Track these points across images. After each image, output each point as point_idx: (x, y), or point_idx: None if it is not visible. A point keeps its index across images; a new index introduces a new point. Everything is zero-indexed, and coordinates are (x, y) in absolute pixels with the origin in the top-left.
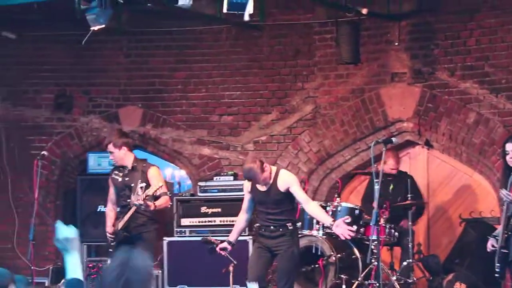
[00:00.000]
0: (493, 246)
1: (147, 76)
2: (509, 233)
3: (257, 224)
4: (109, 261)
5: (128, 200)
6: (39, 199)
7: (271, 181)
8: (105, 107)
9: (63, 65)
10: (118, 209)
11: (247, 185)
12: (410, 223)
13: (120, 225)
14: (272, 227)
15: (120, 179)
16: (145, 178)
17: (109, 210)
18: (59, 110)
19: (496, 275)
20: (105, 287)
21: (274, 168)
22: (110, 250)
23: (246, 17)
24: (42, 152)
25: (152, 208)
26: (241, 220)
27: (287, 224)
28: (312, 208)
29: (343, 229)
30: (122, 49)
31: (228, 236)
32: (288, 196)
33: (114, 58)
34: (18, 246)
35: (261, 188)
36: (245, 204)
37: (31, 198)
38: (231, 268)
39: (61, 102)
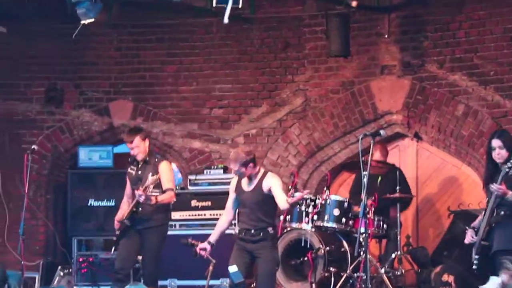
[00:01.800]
0: (472, 237)
1: (137, 69)
2: (493, 225)
3: (238, 228)
4: (113, 250)
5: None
6: (29, 194)
7: (256, 181)
8: (95, 101)
9: (53, 59)
10: None
11: (233, 184)
12: (398, 214)
13: (125, 214)
14: (252, 231)
15: (133, 173)
16: (156, 171)
17: (123, 203)
18: (50, 104)
19: (474, 267)
20: None
21: (262, 170)
22: (114, 238)
23: (226, 20)
24: (33, 146)
25: (153, 202)
26: (223, 221)
27: (268, 229)
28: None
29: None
30: (113, 42)
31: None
32: (270, 197)
33: (104, 51)
34: (9, 241)
35: (246, 188)
36: (228, 204)
37: (21, 192)
38: (211, 268)
39: (51, 95)
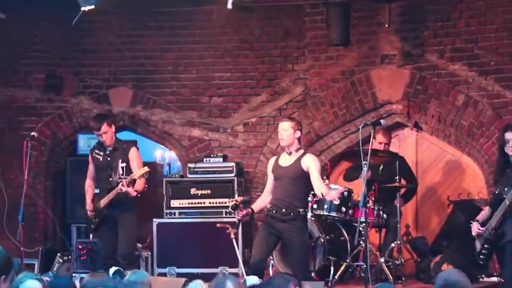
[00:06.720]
0: (479, 229)
1: (137, 56)
2: (506, 215)
3: (268, 205)
4: (91, 236)
5: (110, 179)
6: (28, 180)
7: (296, 157)
8: (95, 88)
9: (53, 45)
10: (97, 190)
11: (270, 164)
12: (398, 204)
13: (103, 203)
14: (284, 210)
15: (101, 158)
16: (125, 158)
17: (88, 186)
18: (50, 91)
19: (482, 256)
20: None
21: (302, 150)
22: (92, 226)
23: (229, 5)
24: (32, 133)
25: (134, 195)
26: (262, 200)
27: (300, 209)
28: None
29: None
30: (113, 29)
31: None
32: (306, 177)
33: (104, 38)
34: (8, 227)
35: (284, 163)
36: (268, 187)
37: (20, 179)
38: (233, 234)
39: (51, 82)
